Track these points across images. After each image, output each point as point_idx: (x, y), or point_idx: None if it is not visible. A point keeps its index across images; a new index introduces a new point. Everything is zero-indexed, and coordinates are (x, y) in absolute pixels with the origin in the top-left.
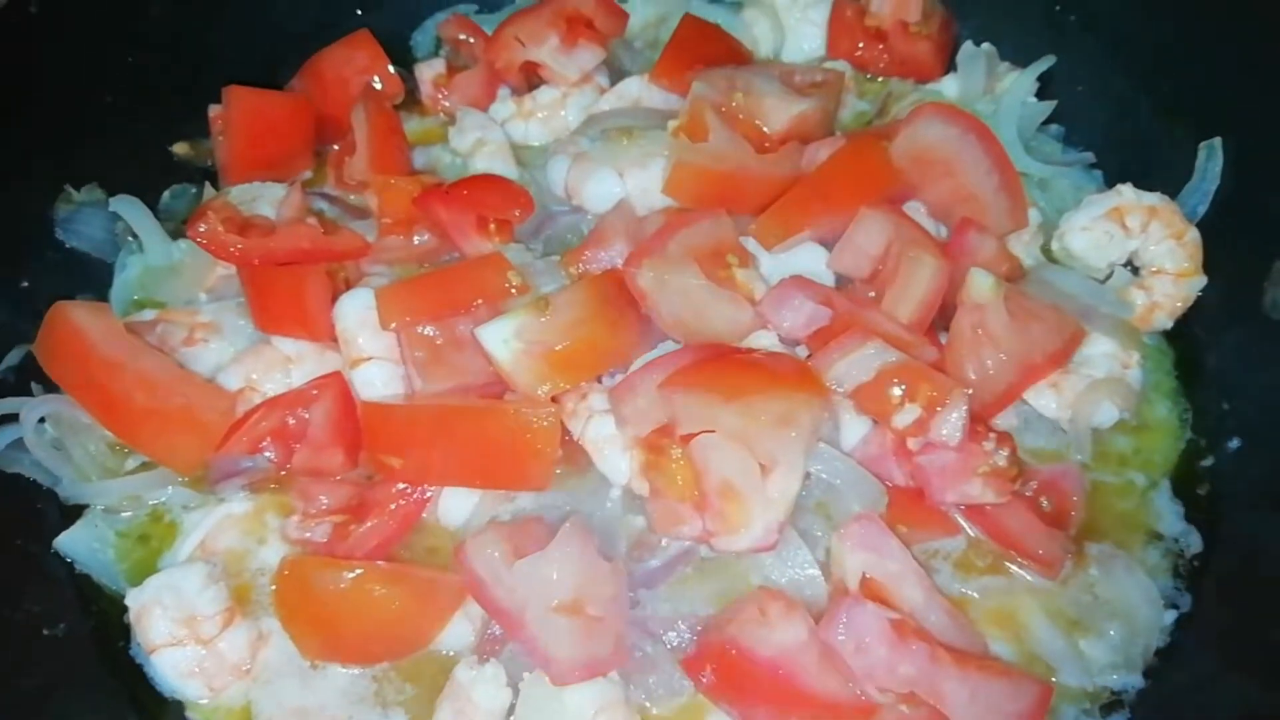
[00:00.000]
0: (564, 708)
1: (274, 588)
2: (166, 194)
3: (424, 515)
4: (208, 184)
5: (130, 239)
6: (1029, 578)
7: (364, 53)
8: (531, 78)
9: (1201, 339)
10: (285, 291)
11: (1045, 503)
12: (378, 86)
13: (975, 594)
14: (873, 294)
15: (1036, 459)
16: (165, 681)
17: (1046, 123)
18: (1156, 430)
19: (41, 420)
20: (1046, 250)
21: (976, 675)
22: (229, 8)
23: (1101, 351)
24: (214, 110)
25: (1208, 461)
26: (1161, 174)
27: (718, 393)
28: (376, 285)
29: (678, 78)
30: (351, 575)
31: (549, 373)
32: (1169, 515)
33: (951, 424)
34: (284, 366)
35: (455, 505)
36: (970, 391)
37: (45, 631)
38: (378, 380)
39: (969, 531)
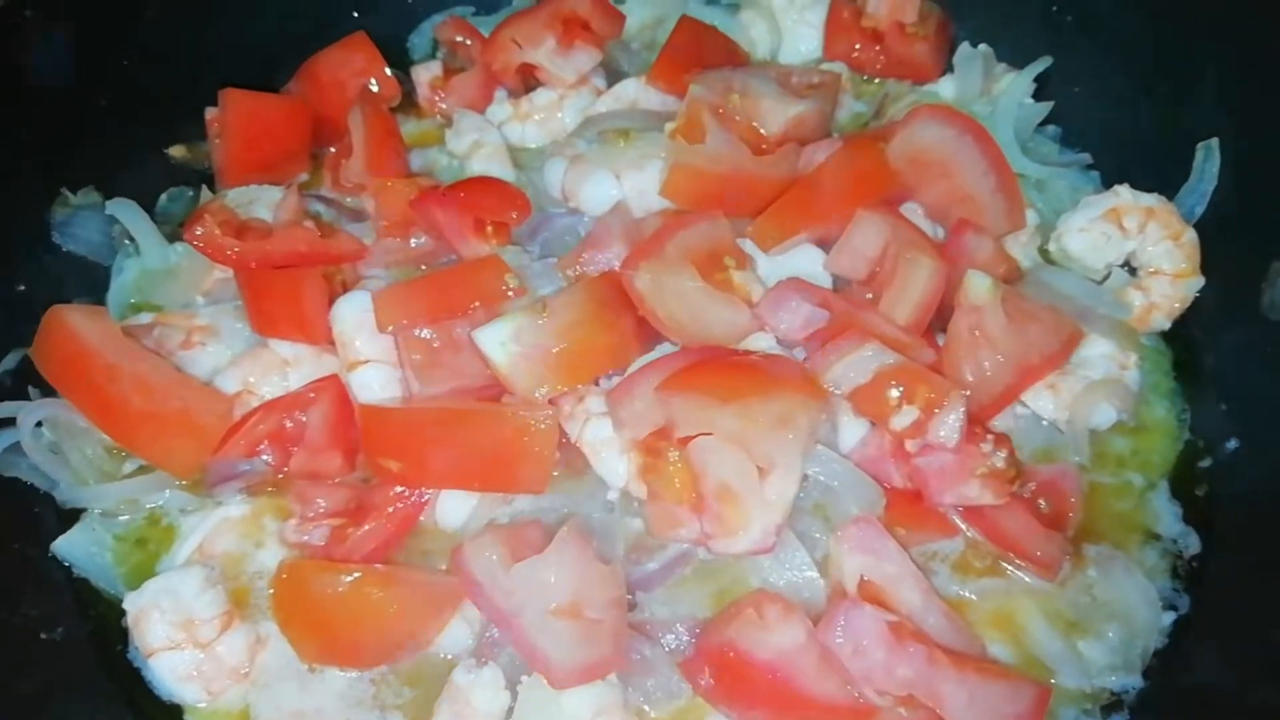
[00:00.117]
0: (562, 711)
1: (272, 591)
2: (163, 197)
3: (422, 518)
4: (204, 187)
5: (127, 242)
6: (1027, 579)
7: (360, 55)
8: (528, 80)
9: (1199, 340)
10: (282, 294)
11: (1043, 504)
12: (374, 89)
13: (973, 596)
14: (870, 296)
15: (1034, 460)
16: (163, 685)
17: (1044, 123)
18: (1154, 431)
19: (39, 424)
20: (1044, 251)
21: (975, 677)
22: (225, 10)
23: (1099, 353)
24: (210, 113)
25: (1206, 462)
26: (1159, 175)
27: (715, 395)
28: (374, 288)
29: (675, 79)
30: (349, 578)
31: (546, 375)
32: (1167, 516)
33: (949, 426)
34: (281, 369)
35: (453, 508)
36: (968, 393)
37: (43, 635)
38: (375, 383)
39: (967, 533)
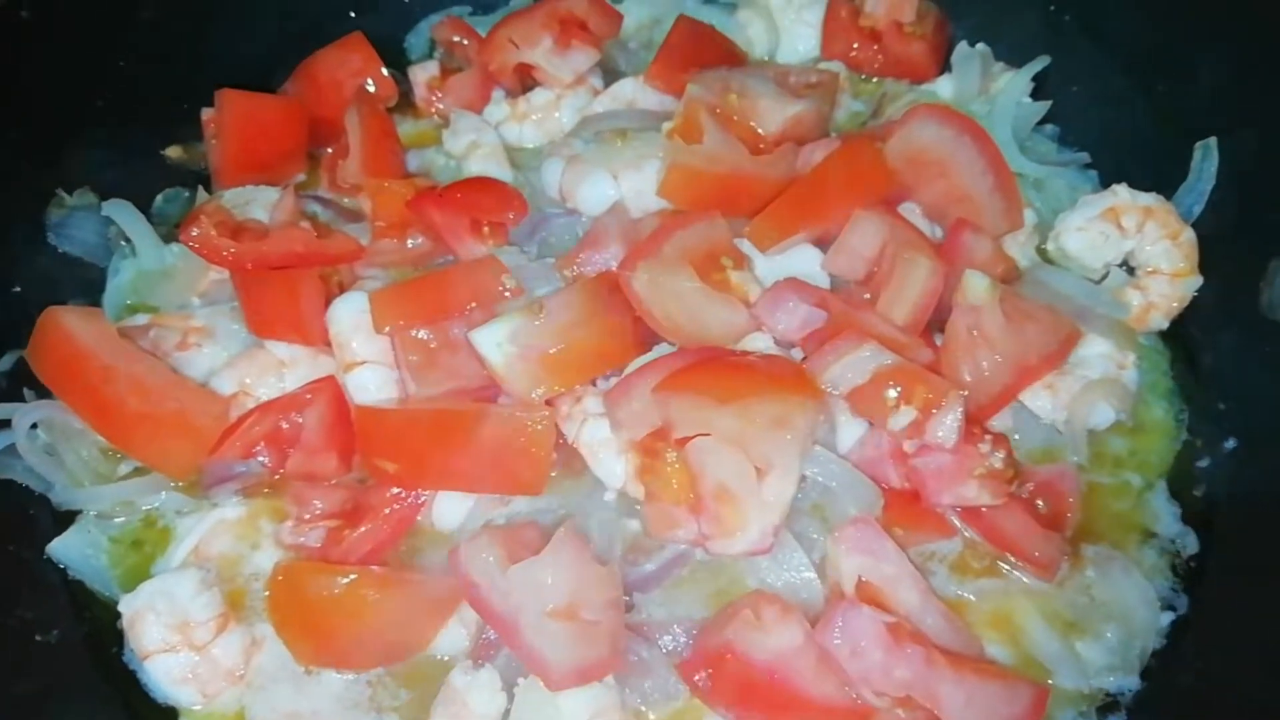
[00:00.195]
0: (559, 712)
1: (267, 593)
2: (159, 198)
3: (418, 519)
4: (200, 188)
5: (123, 243)
6: (1025, 580)
7: (357, 55)
8: (526, 80)
9: (1198, 339)
10: (278, 295)
11: (1041, 504)
12: (371, 89)
13: (972, 596)
14: (868, 296)
15: (1032, 460)
16: (159, 688)
17: (1042, 123)
18: (1152, 431)
19: (34, 426)
20: (1042, 251)
21: (972, 678)
22: (221, 11)
23: (1097, 352)
24: (207, 114)
25: (1204, 462)
26: (1157, 174)
27: (713, 396)
28: (370, 289)
29: (672, 79)
30: (345, 580)
31: (543, 376)
32: (1165, 516)
33: (947, 426)
34: (277, 371)
35: (450, 509)
36: (966, 393)
37: (38, 638)
38: (371, 384)
39: (965, 533)
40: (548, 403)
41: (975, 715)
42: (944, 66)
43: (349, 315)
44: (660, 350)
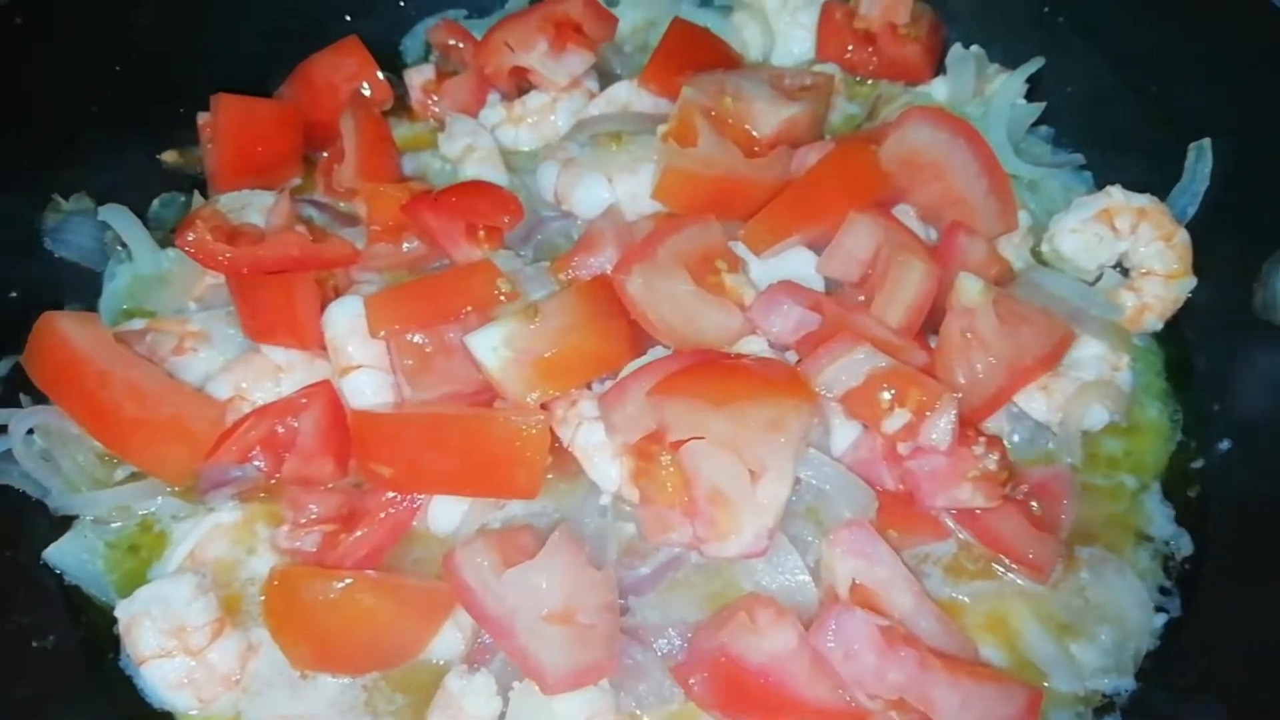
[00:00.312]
0: (554, 716)
1: (263, 598)
2: (155, 202)
3: (414, 524)
4: (196, 192)
5: (119, 248)
6: (1020, 582)
7: (353, 59)
8: (521, 83)
9: (1191, 340)
10: (274, 300)
11: (1036, 506)
12: (367, 93)
13: (966, 598)
14: (862, 298)
15: (1026, 462)
16: (155, 693)
17: (1036, 124)
18: (1147, 432)
19: (30, 431)
20: (1036, 252)
21: (967, 681)
22: (217, 15)
23: (1091, 354)
24: (202, 118)
25: (1198, 463)
26: (1151, 175)
27: (707, 399)
28: (366, 293)
29: (667, 82)
30: (341, 585)
31: (538, 380)
32: (1159, 518)
33: (941, 428)
34: (274, 375)
35: (445, 513)
36: (960, 396)
37: (34, 643)
38: (367, 388)
39: (959, 536)
40: (543, 406)
41: (969, 718)
42: (939, 68)
43: (345, 319)
44: (655, 353)
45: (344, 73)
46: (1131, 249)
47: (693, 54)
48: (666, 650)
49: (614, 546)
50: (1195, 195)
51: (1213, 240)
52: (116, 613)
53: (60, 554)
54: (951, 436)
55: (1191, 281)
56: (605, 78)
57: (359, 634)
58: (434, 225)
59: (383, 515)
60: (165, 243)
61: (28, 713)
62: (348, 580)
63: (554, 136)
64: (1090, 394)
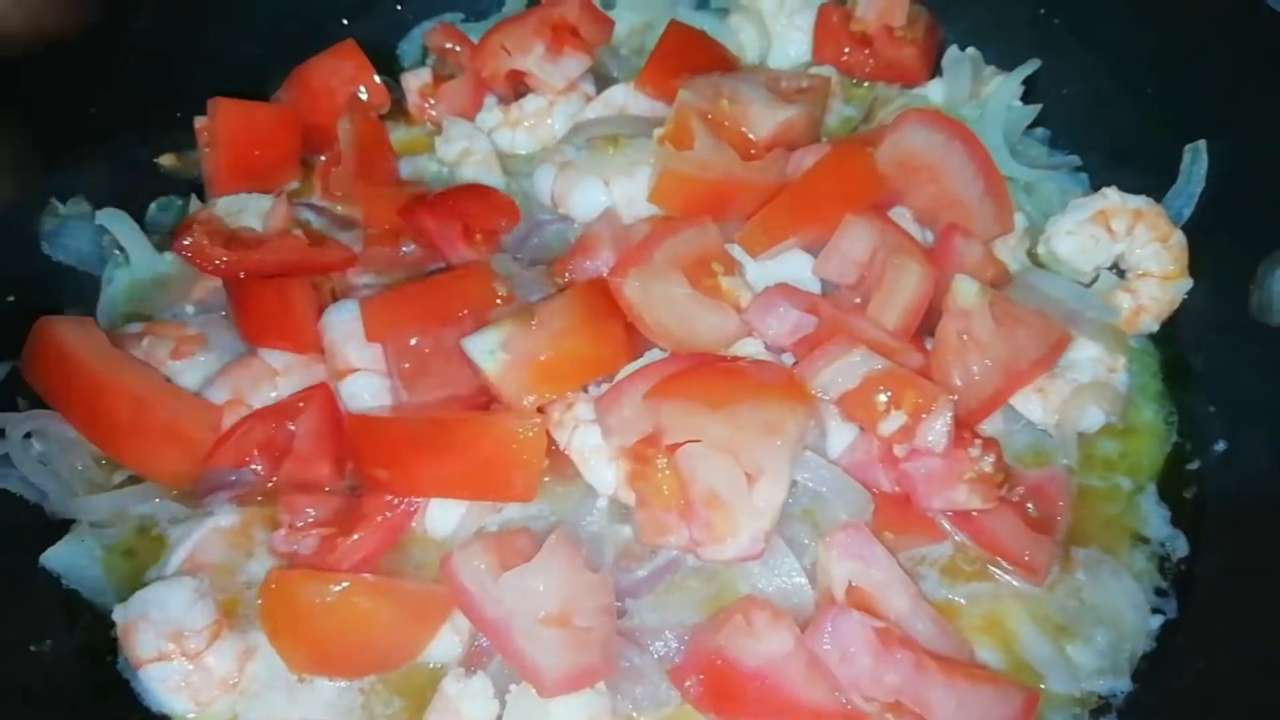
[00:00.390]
0: (551, 719)
1: (260, 601)
2: (153, 206)
3: (411, 527)
4: (194, 196)
5: (117, 252)
6: (1015, 583)
7: (350, 63)
8: (518, 86)
9: (1187, 342)
10: (271, 304)
11: (1032, 508)
12: (364, 96)
13: (962, 600)
14: (858, 301)
15: (1023, 464)
16: (152, 696)
17: (1032, 126)
18: (1143, 434)
19: (28, 435)
20: (1033, 254)
21: (963, 683)
22: (214, 19)
23: (1087, 356)
24: (200, 122)
25: (1194, 465)
26: (1147, 177)
27: (703, 402)
28: (363, 296)
29: (664, 85)
30: (338, 588)
31: (535, 383)
32: (1155, 519)
33: (937, 430)
34: (271, 379)
35: (442, 517)
36: (955, 398)
37: (32, 647)
38: (365, 392)
39: (955, 538)
40: (539, 409)
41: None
42: (935, 71)
43: (342, 323)
44: (651, 356)
45: (341, 76)
46: (1127, 251)
47: (689, 57)
48: (663, 653)
49: (611, 549)
50: (1191, 197)
51: (1208, 242)
52: (114, 616)
53: (58, 558)
54: (947, 438)
55: (1187, 283)
56: (602, 81)
57: (356, 637)
58: (431, 229)
59: (380, 518)
60: (163, 246)
61: (26, 716)
62: (345, 583)
63: (551, 140)
64: (1086, 395)
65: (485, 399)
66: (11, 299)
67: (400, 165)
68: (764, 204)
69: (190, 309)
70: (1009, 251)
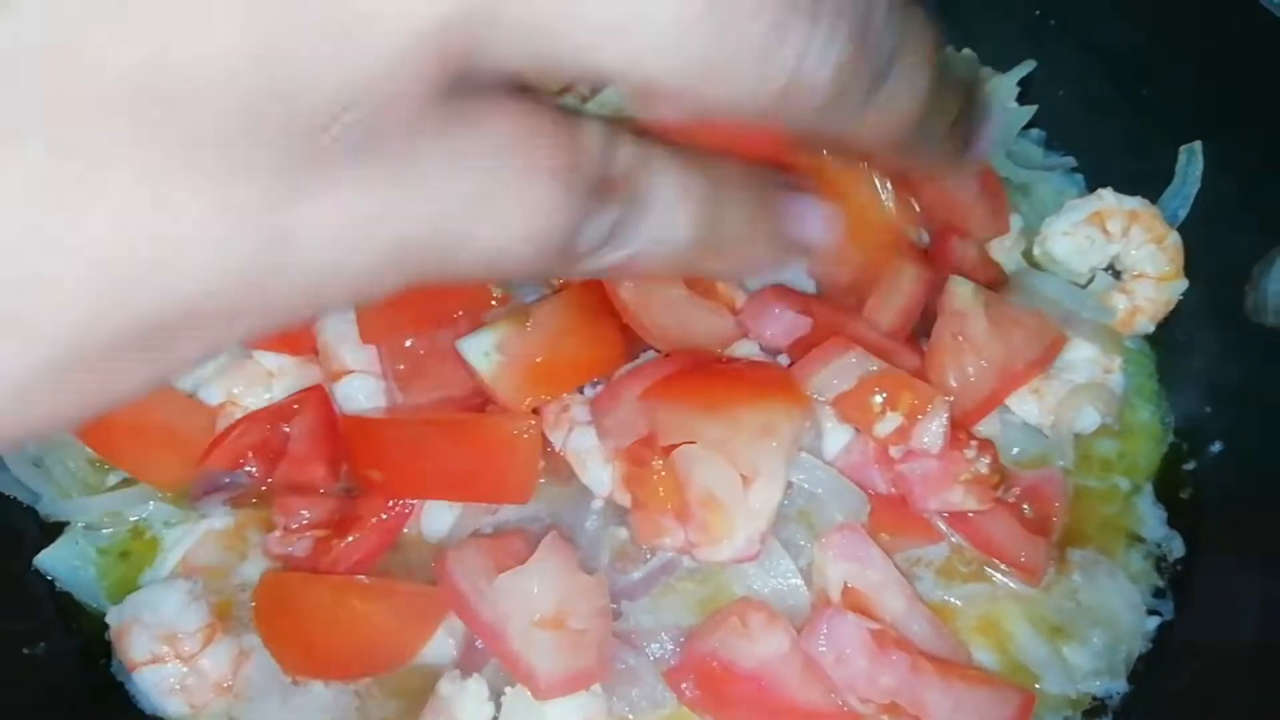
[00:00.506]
0: None
1: (255, 604)
2: None
3: (406, 529)
4: None
5: None
6: (1012, 585)
7: None
8: None
9: (1183, 343)
10: None
11: (1028, 509)
12: None
13: (958, 601)
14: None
15: (1019, 465)
16: (146, 699)
17: (1027, 127)
18: (1139, 434)
19: None
20: (1028, 255)
21: (959, 684)
22: None
23: (1083, 356)
24: None
25: (1190, 465)
26: (1142, 178)
27: (699, 403)
28: None
29: None
30: (333, 590)
31: (531, 384)
32: (1152, 520)
33: (932, 432)
34: (265, 381)
35: (437, 518)
36: (951, 399)
37: (25, 651)
38: (359, 393)
39: (951, 539)
40: (534, 411)
41: None
42: None
43: (336, 324)
44: (647, 358)
45: None
46: (1123, 252)
47: None
48: (659, 655)
49: (606, 551)
50: (1186, 198)
51: (1204, 243)
52: (108, 619)
53: (51, 560)
54: (942, 440)
55: (1183, 284)
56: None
57: (351, 639)
58: None
59: (374, 520)
60: None
61: None
62: (339, 585)
63: None
64: (1082, 396)
65: (480, 401)
66: None
67: None
68: None
69: None
70: (1004, 252)
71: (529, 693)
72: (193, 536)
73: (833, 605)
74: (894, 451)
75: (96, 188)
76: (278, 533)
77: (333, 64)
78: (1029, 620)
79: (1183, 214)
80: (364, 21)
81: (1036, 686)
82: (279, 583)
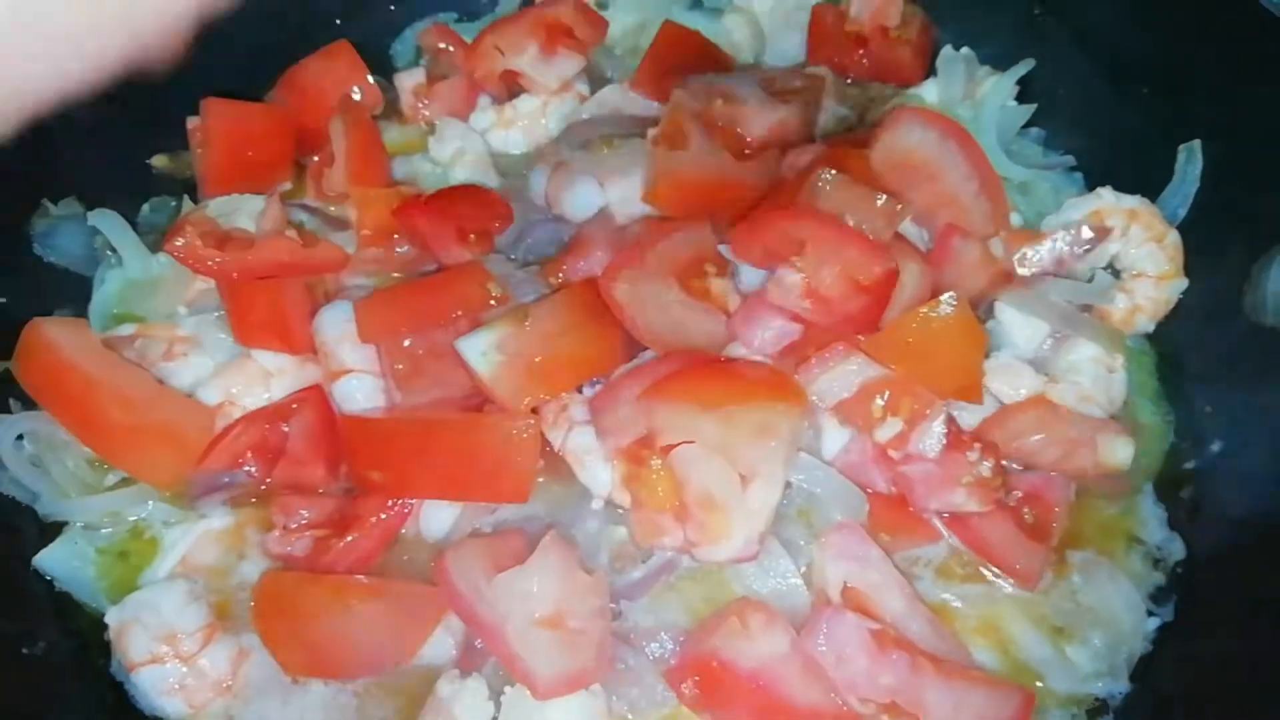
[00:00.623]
0: None
1: (254, 603)
2: (146, 207)
3: (405, 528)
4: (187, 197)
5: (109, 253)
6: (1009, 586)
7: (343, 63)
8: (512, 86)
9: (1183, 342)
10: (265, 305)
11: (1028, 513)
12: (357, 97)
13: (957, 601)
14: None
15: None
16: (146, 699)
17: (1027, 126)
18: (1142, 433)
19: (19, 437)
20: None
21: (958, 684)
22: (207, 19)
23: (1086, 356)
24: (192, 122)
25: (1190, 464)
26: (1142, 177)
27: (697, 403)
28: (356, 297)
29: (658, 85)
30: (332, 590)
31: (529, 384)
32: (1152, 521)
33: (932, 437)
34: (264, 380)
35: (436, 518)
36: (949, 404)
37: (24, 651)
38: (358, 393)
39: (949, 540)
40: (533, 410)
41: None
42: (929, 71)
43: (335, 324)
44: (646, 357)
45: (334, 77)
46: (1123, 250)
47: (683, 57)
48: (659, 654)
49: (605, 551)
50: (1186, 197)
51: (1203, 242)
52: (107, 619)
53: (50, 560)
54: (941, 444)
55: (1183, 282)
56: (596, 81)
57: (350, 639)
58: (425, 229)
59: (374, 520)
60: (155, 247)
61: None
62: (339, 585)
63: (545, 140)
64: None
65: (479, 400)
66: (2, 300)
67: (394, 165)
68: (758, 204)
69: (183, 310)
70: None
71: (528, 692)
72: (192, 536)
73: (832, 605)
74: (894, 453)
75: None
76: (277, 532)
77: None
78: (1029, 620)
79: (1182, 213)
80: None
81: (1039, 685)
82: (278, 582)
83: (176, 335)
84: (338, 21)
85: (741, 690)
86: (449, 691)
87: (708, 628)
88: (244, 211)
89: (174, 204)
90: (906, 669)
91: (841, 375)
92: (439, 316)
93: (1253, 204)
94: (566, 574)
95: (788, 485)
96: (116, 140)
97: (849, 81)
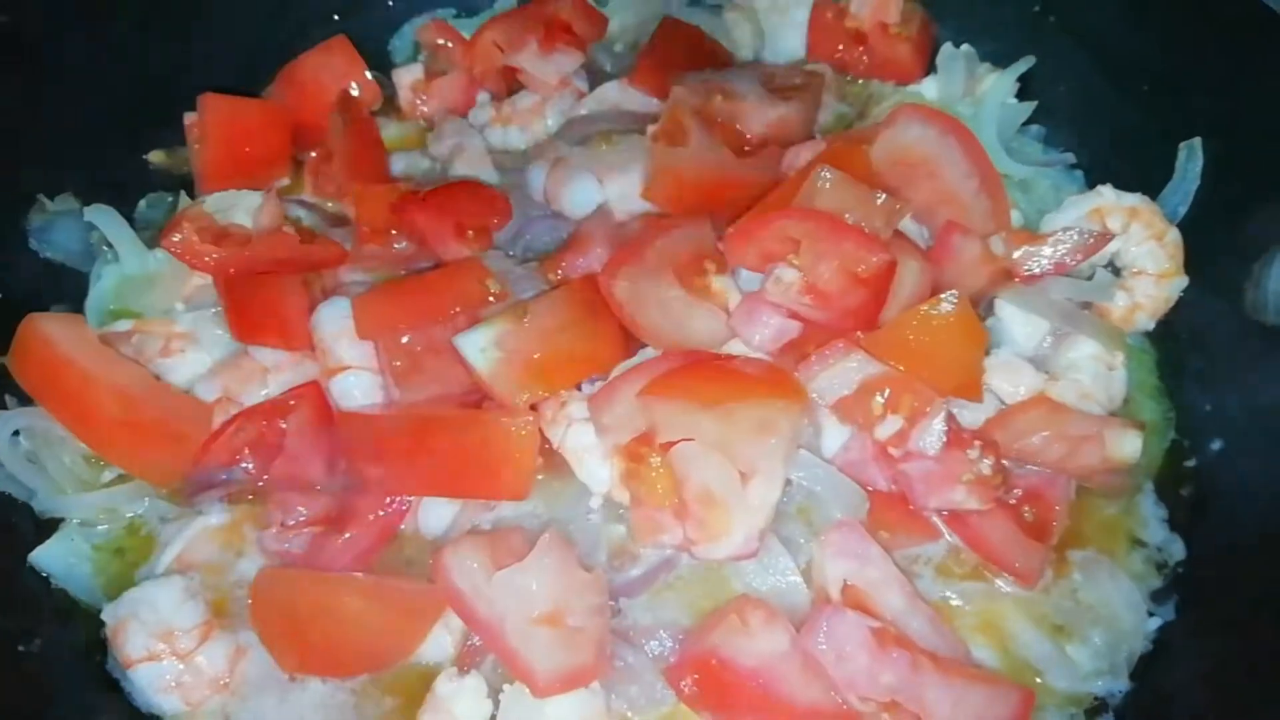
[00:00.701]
0: (545, 719)
1: (251, 600)
2: (142, 203)
3: (403, 526)
4: (184, 192)
5: (106, 249)
6: (1009, 584)
7: (341, 59)
8: (510, 82)
9: (1183, 340)
10: (262, 301)
11: (1028, 512)
12: (355, 93)
13: (957, 599)
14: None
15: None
16: (143, 696)
17: (1027, 123)
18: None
19: (16, 433)
20: None
21: (958, 682)
22: (205, 14)
23: (1087, 354)
24: (190, 118)
25: (1191, 462)
26: (1142, 174)
27: (697, 400)
28: (354, 293)
29: (657, 81)
30: (329, 587)
31: (528, 381)
32: (1153, 521)
33: (932, 434)
34: (261, 377)
35: (434, 515)
36: (949, 401)
37: (21, 647)
38: (356, 390)
39: (949, 538)
40: (532, 407)
41: (962, 719)
42: (929, 68)
43: (333, 320)
44: (645, 354)
45: (332, 72)
46: (1123, 248)
47: (683, 53)
48: (658, 652)
49: (604, 548)
50: (1186, 195)
51: (1204, 239)
52: (104, 616)
53: (47, 557)
54: (941, 442)
55: (1183, 280)
56: (595, 77)
57: (348, 636)
58: (423, 225)
59: (372, 517)
60: (152, 243)
61: (15, 717)
62: (336, 582)
63: (543, 136)
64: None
65: (478, 397)
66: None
67: (392, 161)
68: (758, 201)
69: (180, 306)
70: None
71: (527, 690)
72: (189, 533)
73: (832, 603)
74: (894, 450)
75: None
76: (274, 529)
77: None
78: (1029, 618)
79: (1183, 211)
80: None
81: (1039, 682)
82: (275, 579)
83: (173, 331)
84: (336, 17)
85: (741, 688)
86: (447, 689)
87: (707, 625)
88: (241, 207)
89: (171, 200)
90: (906, 667)
91: (841, 372)
92: (437, 313)
93: (1253, 202)
94: (565, 571)
95: (787, 483)
96: (113, 135)
97: (849, 78)
